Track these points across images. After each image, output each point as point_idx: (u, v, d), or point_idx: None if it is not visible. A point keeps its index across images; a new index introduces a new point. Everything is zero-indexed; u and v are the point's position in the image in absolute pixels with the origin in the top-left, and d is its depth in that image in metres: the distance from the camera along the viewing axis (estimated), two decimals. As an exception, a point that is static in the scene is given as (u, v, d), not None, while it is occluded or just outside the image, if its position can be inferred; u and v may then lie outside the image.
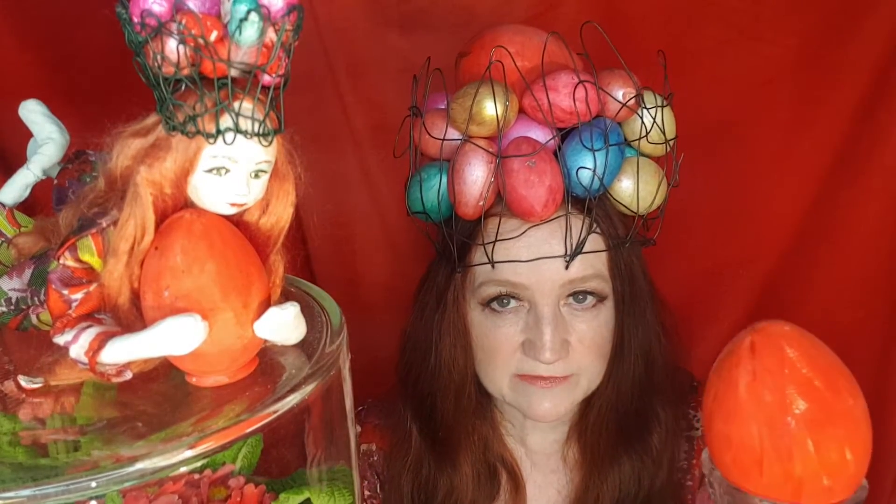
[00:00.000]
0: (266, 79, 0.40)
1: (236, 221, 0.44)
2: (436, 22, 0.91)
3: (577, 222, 0.66)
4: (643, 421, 0.75)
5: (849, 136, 0.93)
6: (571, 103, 0.63)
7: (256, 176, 0.41)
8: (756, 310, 1.02)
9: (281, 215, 0.45)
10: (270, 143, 0.41)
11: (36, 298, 0.46)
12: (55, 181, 0.52)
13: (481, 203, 0.66)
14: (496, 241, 0.66)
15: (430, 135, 0.67)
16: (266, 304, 0.43)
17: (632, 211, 0.68)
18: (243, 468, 0.50)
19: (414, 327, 0.76)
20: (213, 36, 0.38)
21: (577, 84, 0.63)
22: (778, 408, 0.45)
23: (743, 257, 1.00)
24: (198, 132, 0.39)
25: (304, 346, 0.46)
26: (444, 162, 0.68)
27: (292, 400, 0.42)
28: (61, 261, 0.41)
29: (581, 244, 0.66)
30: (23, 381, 0.44)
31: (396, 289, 1.02)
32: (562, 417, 0.74)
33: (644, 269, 0.73)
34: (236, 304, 0.41)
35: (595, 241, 0.67)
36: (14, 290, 0.47)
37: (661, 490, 0.76)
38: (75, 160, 0.52)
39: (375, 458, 0.82)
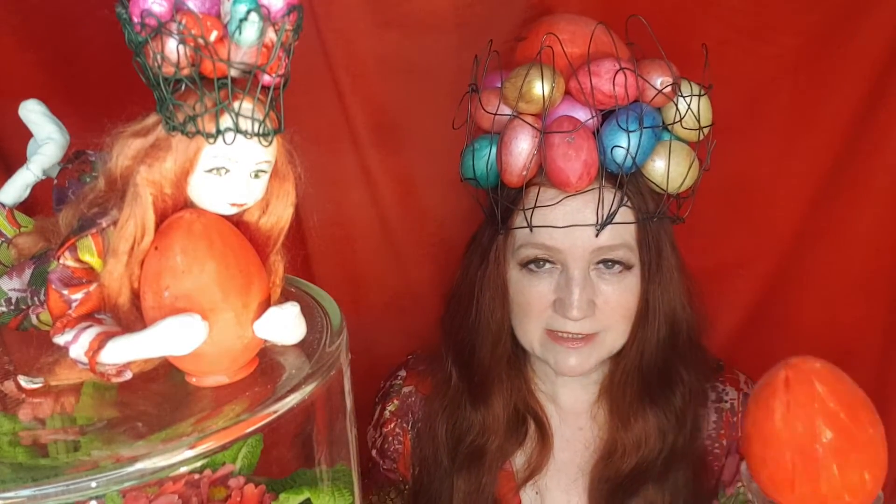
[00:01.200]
0: (266, 79, 0.40)
1: (236, 221, 0.44)
2: (436, 22, 0.91)
3: (610, 196, 0.73)
4: (666, 379, 0.81)
5: (849, 137, 0.93)
6: (611, 88, 0.70)
7: (256, 176, 0.41)
8: (756, 310, 1.02)
9: (281, 215, 0.45)
10: (270, 143, 0.41)
11: (36, 298, 0.46)
12: (55, 181, 0.52)
13: (524, 173, 0.73)
14: (535, 207, 0.73)
15: (484, 109, 0.75)
16: (266, 304, 0.43)
17: (662, 189, 0.74)
18: (243, 468, 0.50)
19: (459, 282, 0.84)
20: (213, 36, 0.38)
21: (618, 71, 0.70)
22: (808, 437, 0.53)
23: (743, 257, 1.00)
24: (198, 132, 0.39)
25: (304, 346, 0.46)
26: (495, 135, 0.75)
27: (292, 400, 0.42)
28: (61, 261, 0.41)
29: (612, 215, 0.73)
30: (23, 381, 0.44)
31: (396, 289, 1.02)
32: (587, 373, 0.81)
33: (672, 243, 0.79)
34: (236, 304, 0.41)
35: (625, 214, 0.74)
36: (14, 290, 0.47)
37: (685, 450, 0.81)
38: (75, 160, 0.52)
39: (413, 400, 0.89)
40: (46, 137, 0.52)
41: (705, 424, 0.84)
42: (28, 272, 0.47)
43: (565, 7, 0.90)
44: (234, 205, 0.41)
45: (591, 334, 0.76)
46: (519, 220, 0.76)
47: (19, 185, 0.53)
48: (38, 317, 0.46)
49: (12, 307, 0.47)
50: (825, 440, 0.53)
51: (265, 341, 0.43)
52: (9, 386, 0.44)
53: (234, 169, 0.40)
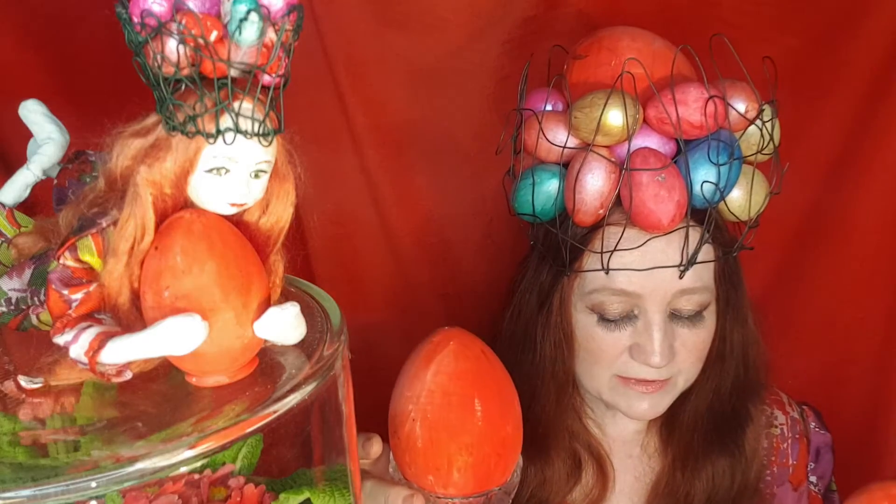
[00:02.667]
0: (266, 79, 0.40)
1: (236, 221, 0.44)
2: (436, 22, 0.91)
3: (694, 233, 0.67)
4: (738, 420, 0.77)
5: (849, 137, 0.93)
6: (701, 118, 0.63)
7: (256, 176, 0.41)
8: (756, 309, 1.02)
9: (281, 215, 0.45)
10: (270, 143, 0.41)
11: (36, 298, 0.46)
12: (55, 181, 0.52)
13: (602, 211, 0.66)
14: (615, 249, 0.66)
15: (549, 142, 0.67)
16: (266, 304, 0.43)
17: (740, 219, 0.70)
18: (243, 468, 0.50)
19: (512, 325, 0.78)
20: (213, 36, 0.38)
21: (709, 99, 0.63)
22: None
23: (743, 257, 1.00)
24: (198, 132, 0.39)
25: (304, 346, 0.46)
26: (561, 167, 0.68)
27: (292, 400, 0.42)
28: (61, 261, 0.41)
29: (696, 254, 0.67)
30: (23, 381, 0.44)
31: (396, 289, 1.02)
32: (658, 415, 0.76)
33: (742, 275, 0.75)
34: (236, 304, 0.41)
35: (705, 251, 0.69)
36: (14, 290, 0.47)
37: (753, 485, 0.78)
38: (75, 160, 0.52)
39: None
40: (46, 137, 0.52)
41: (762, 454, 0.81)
42: (28, 272, 0.47)
43: (566, 8, 0.90)
44: (233, 205, 0.41)
45: (665, 380, 0.72)
46: (589, 261, 0.70)
47: (19, 185, 0.53)
48: (38, 317, 0.46)
49: (12, 307, 0.47)
50: None
51: (265, 341, 0.43)
52: (9, 386, 0.44)
53: (234, 169, 0.40)
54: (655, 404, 0.73)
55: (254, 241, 0.44)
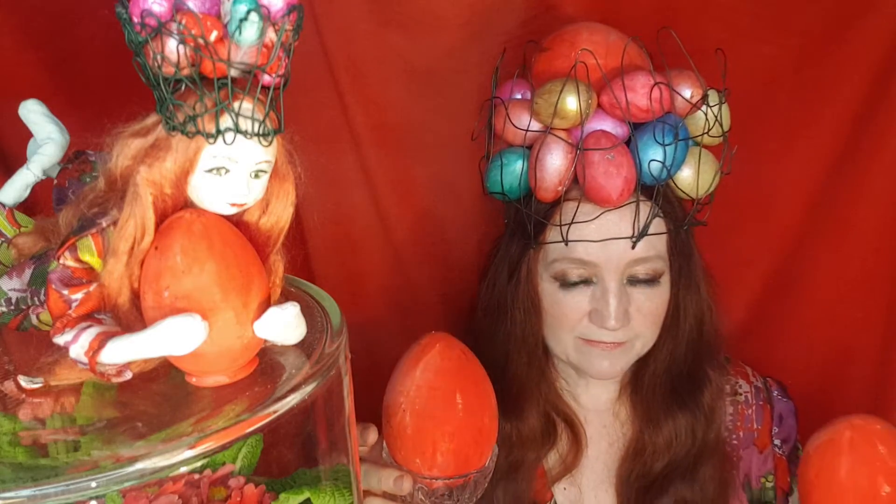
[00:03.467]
0: (266, 79, 0.40)
1: (236, 221, 0.44)
2: (436, 22, 0.91)
3: (644, 207, 0.74)
4: (695, 381, 0.84)
5: (849, 137, 0.93)
6: (648, 102, 0.70)
7: (256, 176, 0.41)
8: (756, 309, 1.02)
9: (281, 215, 0.45)
10: (270, 143, 0.41)
11: (36, 298, 0.46)
12: (55, 181, 0.52)
13: (560, 188, 0.73)
14: (573, 222, 0.74)
15: (514, 125, 0.74)
16: (266, 304, 0.43)
17: (690, 196, 0.76)
18: (243, 468, 0.50)
19: (487, 296, 0.85)
20: (213, 36, 0.38)
21: (654, 85, 0.70)
22: (869, 491, 0.61)
23: (743, 257, 1.00)
24: (198, 132, 0.39)
25: (304, 346, 0.46)
26: (525, 149, 0.75)
27: (292, 400, 0.42)
28: (61, 261, 0.41)
29: (647, 226, 0.74)
30: (23, 381, 0.44)
31: (396, 289, 1.02)
32: (617, 375, 0.83)
33: (696, 248, 0.82)
34: (236, 304, 0.41)
35: (657, 224, 0.75)
36: (14, 290, 0.47)
37: (713, 445, 0.84)
38: (75, 160, 0.52)
39: None
40: (46, 137, 0.52)
41: (724, 416, 0.87)
42: (28, 272, 0.47)
43: (566, 9, 0.90)
44: (233, 205, 0.41)
45: (623, 342, 0.78)
46: (552, 234, 0.76)
47: (19, 185, 0.53)
48: (38, 317, 0.46)
49: (12, 307, 0.47)
50: (884, 493, 0.61)
51: (265, 341, 0.43)
52: (9, 386, 0.44)
53: (234, 169, 0.40)
54: (614, 363, 0.79)
55: (254, 241, 0.44)
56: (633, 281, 0.77)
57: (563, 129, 0.73)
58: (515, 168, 0.75)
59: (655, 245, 0.76)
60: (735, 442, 0.88)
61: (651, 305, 0.78)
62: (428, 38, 0.91)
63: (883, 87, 0.90)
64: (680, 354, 0.82)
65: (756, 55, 0.91)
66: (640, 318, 0.78)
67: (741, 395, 0.89)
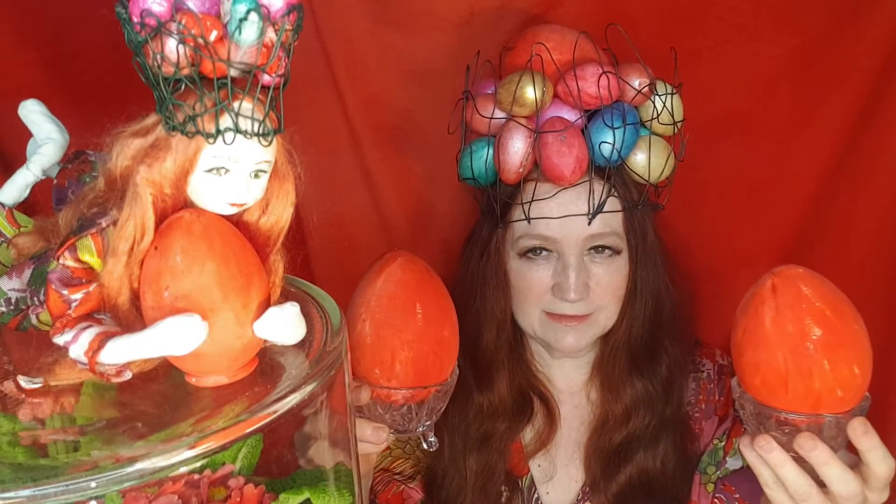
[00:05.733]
0: (266, 79, 0.40)
1: (236, 221, 0.44)
2: (436, 22, 0.91)
3: (599, 187, 0.79)
4: (652, 352, 0.88)
5: (849, 136, 0.93)
6: (597, 90, 0.76)
7: (256, 176, 0.41)
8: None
9: (281, 215, 0.45)
10: (270, 143, 0.41)
11: (35, 298, 0.46)
12: (55, 181, 0.52)
13: (521, 170, 0.79)
14: (532, 200, 0.80)
15: (479, 114, 0.81)
16: (266, 304, 0.43)
17: (644, 179, 0.81)
18: (243, 468, 0.50)
19: (461, 276, 0.90)
20: (213, 36, 0.38)
21: (602, 74, 0.76)
22: (798, 336, 0.57)
23: (743, 257, 1.00)
24: (197, 132, 0.39)
25: (304, 346, 0.46)
26: (490, 137, 0.81)
27: (292, 400, 0.42)
28: (61, 261, 0.41)
29: (601, 205, 0.79)
30: (22, 381, 0.44)
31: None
32: (583, 350, 0.88)
33: (654, 230, 0.86)
34: (236, 304, 0.41)
35: (613, 204, 0.81)
36: (14, 290, 0.47)
37: (673, 417, 0.88)
38: (75, 160, 0.52)
39: None
40: (46, 137, 0.52)
41: (686, 393, 0.92)
42: (28, 272, 0.47)
43: (566, 8, 0.91)
44: (233, 205, 0.41)
45: (585, 315, 0.83)
46: (517, 213, 0.82)
47: (19, 185, 0.53)
48: (37, 317, 0.46)
49: (12, 307, 0.47)
50: (815, 337, 0.57)
51: (265, 341, 0.43)
52: (8, 386, 0.44)
53: (234, 169, 0.40)
54: (579, 338, 0.84)
55: (254, 241, 0.44)
56: (593, 255, 0.82)
57: (524, 117, 0.79)
58: (483, 155, 0.82)
59: (611, 223, 0.81)
60: (697, 415, 0.92)
61: (610, 279, 0.82)
62: (428, 38, 0.92)
63: (883, 86, 0.90)
64: (638, 328, 0.86)
65: (757, 55, 0.91)
66: (600, 291, 0.82)
67: (704, 371, 0.93)
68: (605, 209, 0.79)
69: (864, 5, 0.88)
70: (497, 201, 0.83)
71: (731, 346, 0.64)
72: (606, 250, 0.82)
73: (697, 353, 0.95)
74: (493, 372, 0.89)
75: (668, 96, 0.79)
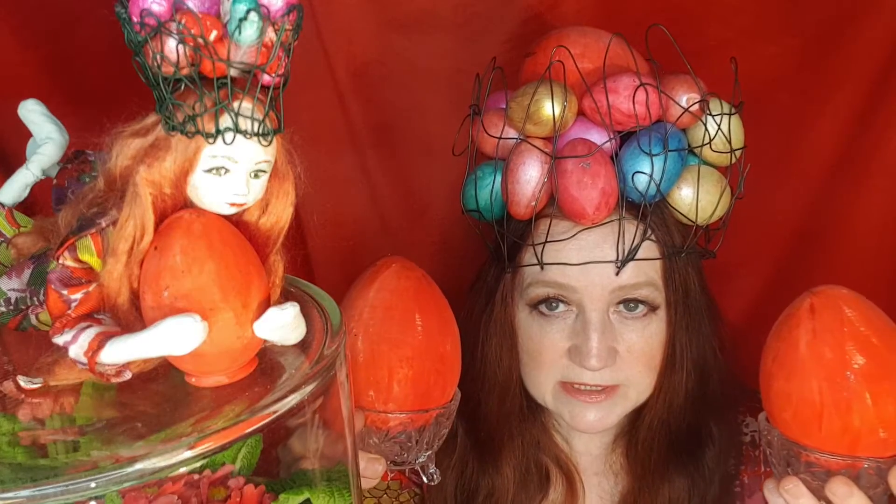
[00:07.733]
0: (266, 78, 0.40)
1: (236, 221, 0.44)
2: (436, 22, 0.91)
3: (632, 228, 0.65)
4: (696, 437, 0.73)
5: (850, 136, 0.93)
6: (631, 106, 0.62)
7: (256, 176, 0.41)
8: (756, 310, 1.02)
9: (281, 215, 0.45)
10: (270, 142, 0.41)
11: (35, 298, 0.46)
12: (54, 181, 0.52)
13: (533, 203, 0.65)
14: (546, 242, 0.65)
15: (487, 133, 0.67)
16: (266, 304, 0.43)
17: (690, 220, 0.66)
18: (243, 468, 0.50)
19: (463, 326, 0.73)
20: (213, 35, 0.38)
21: (638, 87, 0.62)
22: (837, 363, 0.48)
23: (743, 257, 1.00)
24: (197, 132, 0.39)
25: (304, 347, 0.46)
26: (499, 161, 0.67)
27: (292, 400, 0.42)
28: (60, 261, 0.41)
29: (634, 250, 0.64)
30: (22, 381, 0.44)
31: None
32: (607, 429, 0.73)
33: (702, 282, 0.71)
34: (236, 304, 0.41)
35: (649, 249, 0.66)
36: (13, 290, 0.47)
37: (713, 502, 0.74)
38: (75, 160, 0.52)
39: None
40: (46, 137, 0.52)
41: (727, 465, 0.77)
42: (27, 272, 0.47)
43: (566, 8, 0.90)
44: (233, 205, 0.41)
45: (611, 386, 0.68)
46: (528, 256, 0.68)
47: (19, 185, 0.53)
48: (37, 317, 0.46)
49: (11, 307, 0.47)
50: (856, 366, 0.48)
51: (265, 341, 0.43)
52: (8, 386, 0.44)
53: (234, 169, 0.40)
54: (603, 416, 0.69)
55: (254, 241, 0.44)
56: (622, 313, 0.67)
57: (540, 138, 0.65)
58: (489, 183, 0.67)
59: (647, 272, 0.66)
60: (737, 489, 0.76)
61: (643, 346, 0.67)
62: (428, 38, 0.91)
63: (884, 87, 0.90)
64: (678, 406, 0.71)
65: (758, 55, 0.91)
66: (631, 360, 0.67)
67: (747, 434, 0.77)
68: (637, 256, 0.64)
69: (864, 5, 0.88)
70: (504, 241, 0.68)
71: (760, 375, 0.56)
72: (640, 305, 0.67)
73: (741, 405, 0.78)
74: (496, 447, 0.74)
75: (725, 117, 0.64)
